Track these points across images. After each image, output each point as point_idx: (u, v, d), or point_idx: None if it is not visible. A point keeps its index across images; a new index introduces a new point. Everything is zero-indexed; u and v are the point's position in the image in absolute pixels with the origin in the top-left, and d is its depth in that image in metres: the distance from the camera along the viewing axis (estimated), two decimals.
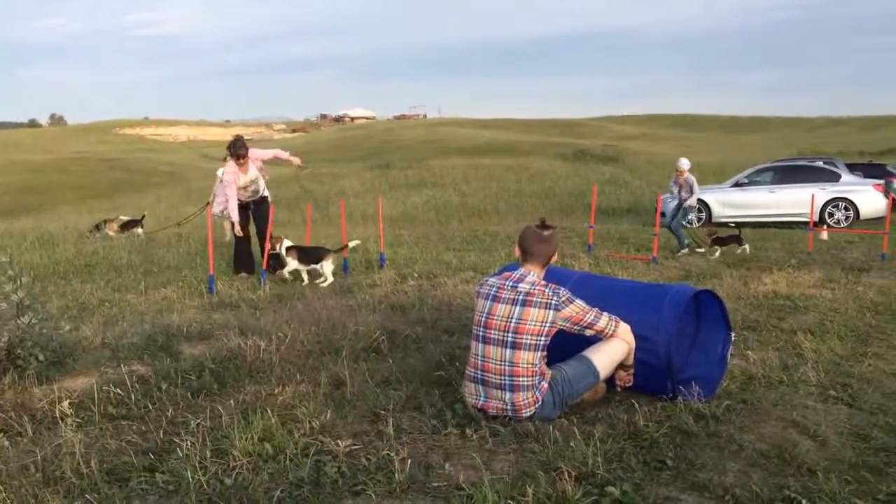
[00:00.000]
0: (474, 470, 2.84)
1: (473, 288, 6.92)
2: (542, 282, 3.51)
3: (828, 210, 15.47)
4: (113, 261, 9.65)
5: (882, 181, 16.21)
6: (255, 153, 8.45)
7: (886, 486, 2.81)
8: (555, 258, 3.66)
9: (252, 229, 8.70)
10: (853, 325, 5.59)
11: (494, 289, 3.51)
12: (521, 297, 3.42)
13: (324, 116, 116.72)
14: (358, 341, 4.77)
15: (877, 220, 14.34)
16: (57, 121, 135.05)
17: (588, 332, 3.51)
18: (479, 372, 3.45)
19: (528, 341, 3.37)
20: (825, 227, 14.00)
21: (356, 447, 3.05)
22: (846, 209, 15.44)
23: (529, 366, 3.37)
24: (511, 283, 3.49)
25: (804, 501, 2.62)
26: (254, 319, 5.51)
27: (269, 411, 3.33)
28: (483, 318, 3.47)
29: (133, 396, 3.65)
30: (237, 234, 8.44)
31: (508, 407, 3.39)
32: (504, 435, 3.24)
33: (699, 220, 16.25)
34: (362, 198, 22.85)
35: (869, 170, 18.89)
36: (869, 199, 15.32)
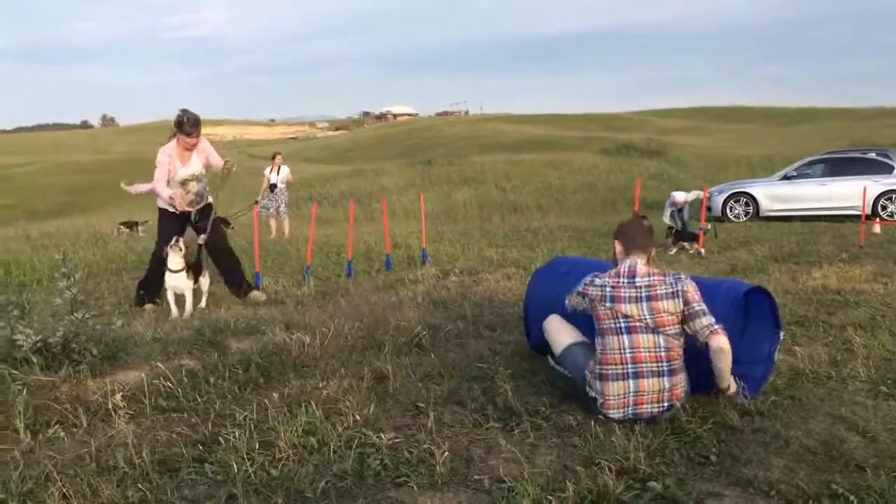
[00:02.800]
0: (515, 464, 2.85)
1: (515, 284, 6.95)
2: (658, 271, 3.43)
3: (881, 203, 15.04)
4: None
5: None
6: (208, 148, 6.55)
7: None
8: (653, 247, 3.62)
9: (192, 246, 6.50)
10: None
11: (609, 289, 3.37)
12: (644, 294, 3.33)
13: (366, 114, 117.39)
14: (400, 336, 4.81)
15: None
16: (108, 122, 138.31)
17: (695, 322, 3.34)
18: (628, 366, 3.29)
19: (672, 330, 3.31)
20: (878, 220, 13.63)
21: (398, 440, 3.09)
22: None
23: (672, 350, 3.32)
24: (626, 280, 3.38)
25: (852, 498, 2.58)
26: (298, 315, 5.60)
27: (314, 405, 3.39)
28: (617, 312, 3.34)
29: (182, 389, 3.75)
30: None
31: (665, 395, 3.29)
32: (545, 429, 3.25)
33: (746, 213, 15.96)
34: (404, 194, 22.97)
35: None
36: None
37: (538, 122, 57.30)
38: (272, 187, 13.94)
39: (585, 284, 3.49)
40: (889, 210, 15.02)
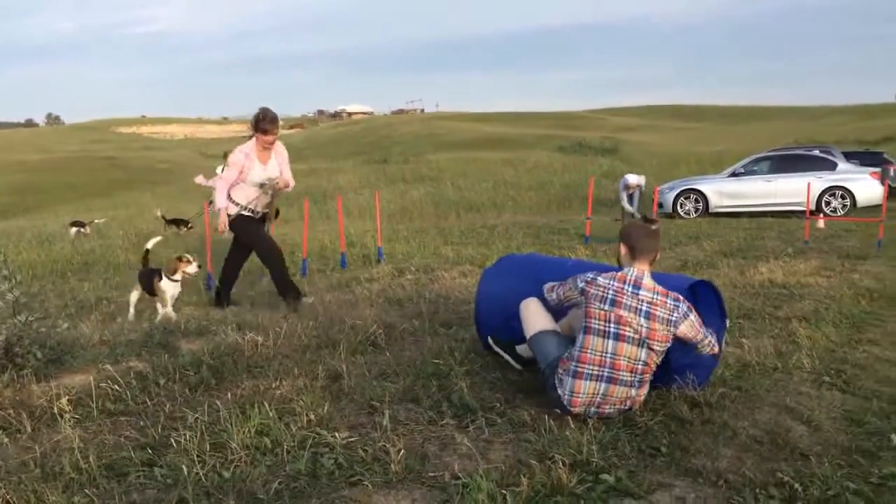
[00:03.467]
0: (470, 460, 2.86)
1: (471, 281, 6.96)
2: (662, 290, 3.38)
3: (824, 199, 15.48)
4: (110, 259, 9.67)
5: (879, 169, 16.23)
6: (284, 153, 6.17)
7: (879, 469, 2.84)
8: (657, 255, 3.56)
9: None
10: (848, 313, 5.61)
11: (612, 292, 3.34)
12: (644, 308, 3.31)
13: (321, 112, 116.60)
14: (355, 335, 4.79)
15: (873, 208, 14.34)
16: (53, 120, 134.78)
17: (699, 348, 3.49)
18: (604, 369, 3.30)
19: (658, 347, 3.35)
20: (822, 215, 14.02)
21: (353, 439, 3.07)
22: (843, 197, 15.44)
23: (648, 365, 3.36)
24: (631, 288, 3.35)
25: (797, 485, 2.64)
26: (251, 315, 5.53)
27: (267, 405, 3.35)
28: (613, 315, 3.32)
29: (131, 392, 3.67)
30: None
31: (629, 402, 3.36)
32: (500, 425, 3.26)
33: (696, 210, 16.28)
34: (360, 193, 22.87)
35: (866, 158, 18.91)
36: (865, 187, 15.32)
37: (494, 121, 57.62)
38: None
39: (588, 281, 3.41)
40: (833, 206, 15.46)
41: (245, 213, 6.09)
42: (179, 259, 5.77)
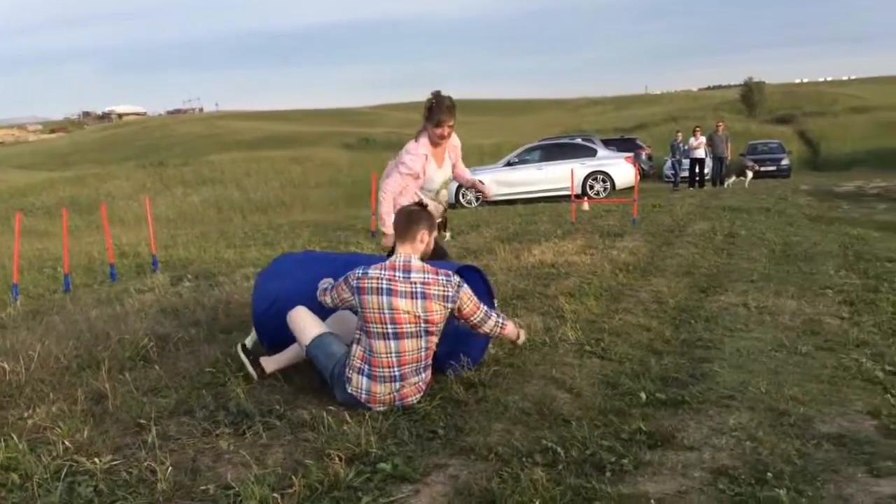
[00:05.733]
0: (245, 467, 2.76)
1: (253, 284, 6.74)
2: (433, 269, 3.39)
3: (588, 183, 16.83)
4: None
5: (632, 154, 17.95)
6: (457, 144, 4.88)
7: (629, 426, 3.13)
8: (427, 237, 3.50)
9: None
10: (607, 286, 6.14)
11: (385, 282, 3.30)
12: (419, 290, 3.29)
13: (87, 114, 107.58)
14: (124, 351, 4.45)
15: (629, 190, 15.85)
16: None
17: (483, 326, 3.53)
18: (394, 369, 3.29)
19: (437, 328, 3.37)
20: (586, 198, 15.24)
21: (116, 462, 2.84)
22: (604, 181, 16.90)
23: (430, 348, 3.38)
24: (402, 274, 3.32)
25: (559, 450, 2.84)
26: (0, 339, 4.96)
27: (15, 437, 3.02)
28: (388, 315, 3.28)
29: None
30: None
31: (398, 395, 3.35)
32: (279, 428, 3.19)
33: (477, 199, 17.01)
34: (134, 199, 21.38)
35: (621, 144, 20.87)
36: (622, 170, 16.88)
37: (278, 119, 56.48)
38: None
39: (360, 277, 3.37)
40: (596, 189, 16.86)
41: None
42: None
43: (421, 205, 3.60)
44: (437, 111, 4.47)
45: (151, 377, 3.98)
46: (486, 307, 3.55)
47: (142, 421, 3.30)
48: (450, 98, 4.51)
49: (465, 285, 3.44)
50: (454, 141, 4.78)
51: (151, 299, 6.35)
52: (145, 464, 2.79)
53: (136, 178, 27.84)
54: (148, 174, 28.70)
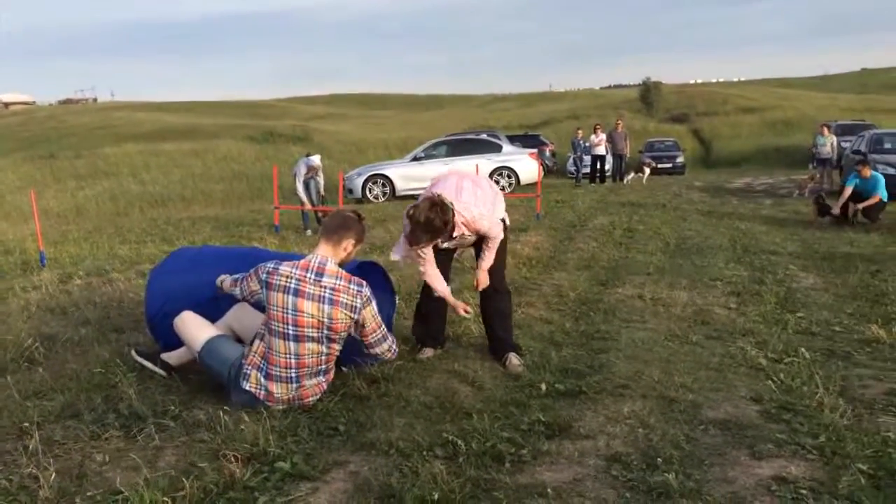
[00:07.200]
0: (135, 471, 2.66)
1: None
2: (346, 275, 3.28)
3: (494, 178, 17.03)
4: None
5: (536, 150, 18.28)
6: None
7: (528, 417, 3.19)
8: (351, 249, 3.36)
9: None
10: (511, 280, 6.21)
11: (294, 281, 3.20)
12: (327, 295, 3.20)
13: None
14: (5, 353, 4.21)
15: (534, 185, 16.15)
16: None
17: (376, 348, 3.44)
18: (291, 371, 3.23)
19: (340, 336, 3.31)
20: None
21: None
22: (509, 176, 17.13)
23: (332, 354, 3.34)
24: (313, 276, 3.22)
25: (459, 442, 2.87)
26: None
27: None
28: (291, 317, 3.19)
29: None
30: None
31: (297, 395, 3.30)
32: (173, 429, 3.09)
33: (384, 194, 16.95)
34: (20, 193, 20.18)
35: (526, 140, 21.24)
36: (526, 166, 17.15)
37: (178, 110, 54.50)
38: None
39: (269, 272, 3.27)
40: (501, 184, 17.07)
41: None
42: None
43: (356, 213, 3.48)
44: (412, 237, 3.72)
45: (36, 380, 3.78)
46: (384, 329, 3.44)
47: (24, 425, 3.13)
48: (424, 216, 3.62)
49: (374, 302, 3.35)
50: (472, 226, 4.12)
51: (38, 298, 6.03)
52: (27, 470, 2.65)
53: (23, 171, 26.23)
54: (37, 167, 27.11)
